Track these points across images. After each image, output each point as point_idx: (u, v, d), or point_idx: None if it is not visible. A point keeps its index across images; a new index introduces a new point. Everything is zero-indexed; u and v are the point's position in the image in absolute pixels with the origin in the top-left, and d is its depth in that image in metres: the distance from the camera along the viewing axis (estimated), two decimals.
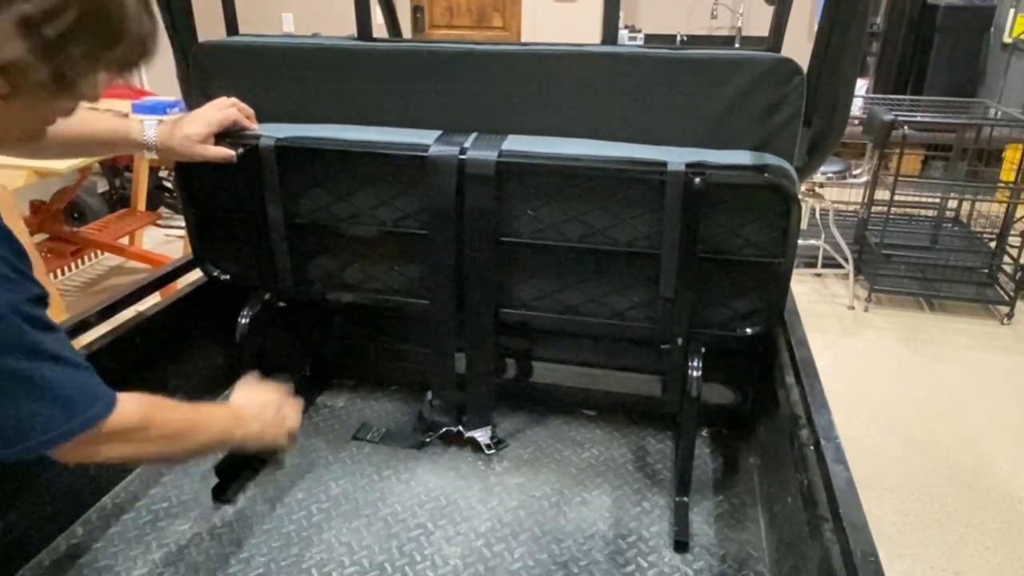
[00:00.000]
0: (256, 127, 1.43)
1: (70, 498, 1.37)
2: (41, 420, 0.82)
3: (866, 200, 3.72)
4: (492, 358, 1.55)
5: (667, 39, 5.35)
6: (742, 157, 1.29)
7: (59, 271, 3.58)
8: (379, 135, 1.40)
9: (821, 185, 3.62)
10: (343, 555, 1.33)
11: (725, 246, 1.35)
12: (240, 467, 1.50)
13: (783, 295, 1.39)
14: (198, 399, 1.69)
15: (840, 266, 3.74)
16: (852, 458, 1.02)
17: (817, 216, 3.75)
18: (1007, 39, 4.85)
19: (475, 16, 5.49)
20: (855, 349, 3.24)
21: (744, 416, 1.66)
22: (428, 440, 1.63)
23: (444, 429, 1.62)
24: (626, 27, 5.32)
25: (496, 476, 1.54)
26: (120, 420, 0.89)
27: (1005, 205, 3.62)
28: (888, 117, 3.25)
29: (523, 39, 5.18)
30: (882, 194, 3.54)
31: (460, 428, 1.61)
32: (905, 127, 3.31)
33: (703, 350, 1.40)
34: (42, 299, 0.83)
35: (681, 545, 1.35)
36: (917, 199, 4.07)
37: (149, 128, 1.29)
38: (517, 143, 1.35)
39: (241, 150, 1.37)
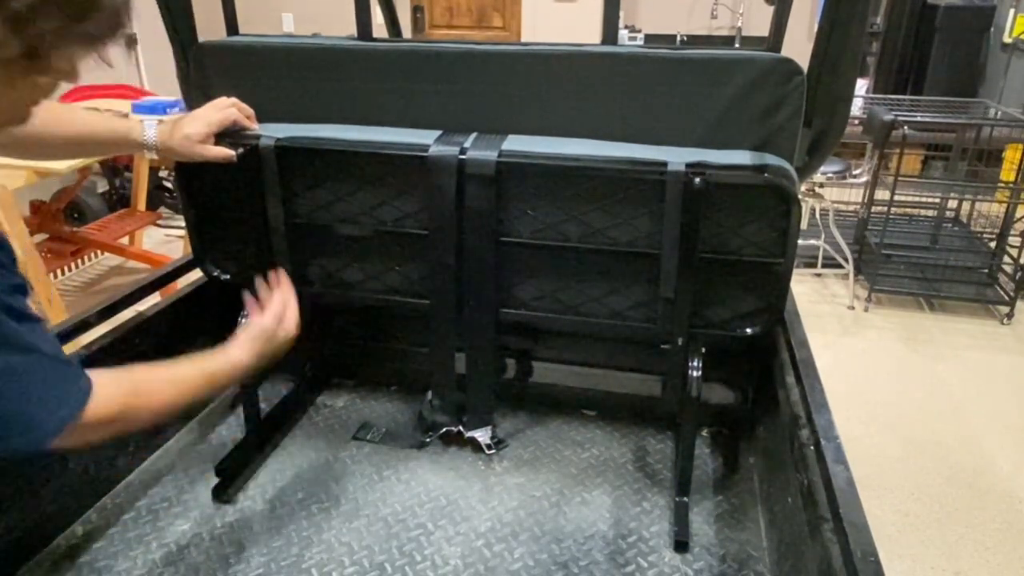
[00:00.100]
0: (256, 127, 1.42)
1: (70, 498, 1.37)
2: (21, 419, 0.81)
3: (866, 200, 3.72)
4: (492, 358, 1.55)
5: (667, 39, 5.35)
6: (742, 157, 1.29)
7: (59, 271, 3.58)
8: (379, 135, 1.40)
9: (821, 185, 3.62)
10: (343, 555, 1.33)
11: (725, 246, 1.35)
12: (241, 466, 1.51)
13: (783, 295, 1.39)
14: None
15: (840, 266, 3.73)
16: (852, 458, 1.02)
17: (817, 216, 3.74)
18: (1007, 39, 4.85)
19: (475, 16, 5.49)
20: (855, 349, 3.24)
21: (744, 416, 1.66)
22: (428, 440, 1.63)
23: (444, 429, 1.62)
24: (626, 27, 5.32)
25: (496, 476, 1.54)
26: (97, 412, 0.88)
27: (1005, 205, 3.62)
28: (888, 117, 3.25)
29: (523, 39, 5.18)
30: (882, 194, 3.54)
31: (460, 428, 1.61)
32: (905, 127, 3.31)
33: (703, 350, 1.40)
34: (21, 288, 0.82)
35: (681, 545, 1.35)
36: (917, 199, 4.07)
37: (149, 128, 1.29)
38: (517, 143, 1.35)
39: (241, 150, 1.37)
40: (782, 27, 1.32)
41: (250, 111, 1.42)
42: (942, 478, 2.41)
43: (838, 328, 3.41)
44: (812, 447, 1.10)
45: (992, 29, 4.92)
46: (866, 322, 3.47)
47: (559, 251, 1.42)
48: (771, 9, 1.34)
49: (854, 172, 3.63)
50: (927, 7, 4.98)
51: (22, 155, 1.30)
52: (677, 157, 1.27)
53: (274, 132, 1.41)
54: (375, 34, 1.44)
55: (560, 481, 1.53)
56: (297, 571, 1.30)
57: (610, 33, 1.35)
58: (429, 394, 1.62)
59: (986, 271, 3.72)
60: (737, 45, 5.25)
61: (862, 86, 4.84)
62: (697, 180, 1.24)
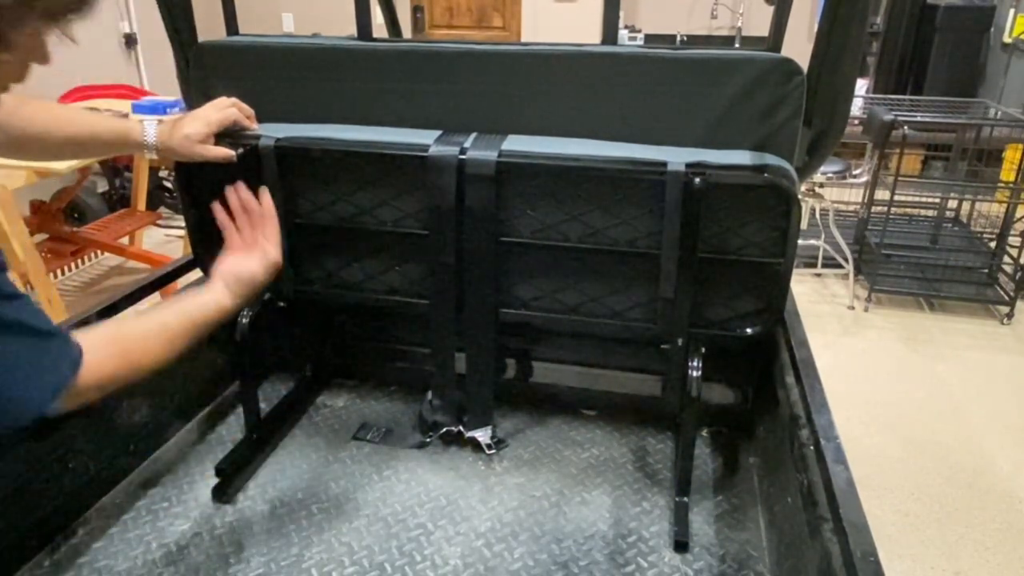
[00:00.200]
0: (256, 127, 1.42)
1: (70, 498, 1.37)
2: (13, 396, 0.81)
3: (866, 200, 3.72)
4: (492, 358, 1.55)
5: (667, 39, 5.35)
6: (742, 157, 1.29)
7: (59, 271, 3.58)
8: (379, 135, 1.40)
9: (821, 185, 3.62)
10: (343, 555, 1.33)
11: (725, 246, 1.35)
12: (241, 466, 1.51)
13: (783, 295, 1.39)
14: (198, 399, 1.71)
15: (840, 266, 3.74)
16: (852, 458, 1.02)
17: (817, 216, 3.75)
18: (1007, 39, 4.85)
19: (475, 16, 5.50)
20: (855, 349, 3.24)
21: (744, 416, 1.66)
22: (428, 440, 1.63)
23: (444, 429, 1.62)
24: (626, 27, 5.32)
25: (496, 476, 1.54)
26: (88, 379, 0.88)
27: (1005, 205, 3.62)
28: (888, 117, 3.26)
29: (523, 39, 5.18)
30: (882, 194, 3.54)
31: (460, 428, 1.61)
32: (905, 127, 3.31)
33: (703, 350, 1.40)
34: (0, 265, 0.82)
35: (681, 545, 1.35)
36: (917, 199, 4.07)
37: (149, 128, 1.29)
38: (517, 143, 1.35)
39: (241, 150, 1.37)
40: (782, 27, 1.32)
41: (250, 111, 1.42)
42: (942, 478, 2.41)
43: (838, 328, 3.41)
44: (812, 447, 1.10)
45: (992, 29, 4.92)
46: (866, 322, 3.47)
47: (559, 251, 1.42)
48: (771, 9, 1.34)
49: (854, 172, 3.64)
50: (927, 7, 4.98)
51: (22, 155, 1.30)
52: (677, 157, 1.27)
53: (274, 132, 1.41)
54: (375, 34, 1.44)
55: (560, 481, 1.53)
56: (297, 571, 1.30)
57: (610, 33, 1.35)
58: (429, 394, 1.62)
59: (986, 271, 3.72)
60: (737, 45, 5.26)
61: (862, 86, 4.84)
62: (697, 180, 1.24)
